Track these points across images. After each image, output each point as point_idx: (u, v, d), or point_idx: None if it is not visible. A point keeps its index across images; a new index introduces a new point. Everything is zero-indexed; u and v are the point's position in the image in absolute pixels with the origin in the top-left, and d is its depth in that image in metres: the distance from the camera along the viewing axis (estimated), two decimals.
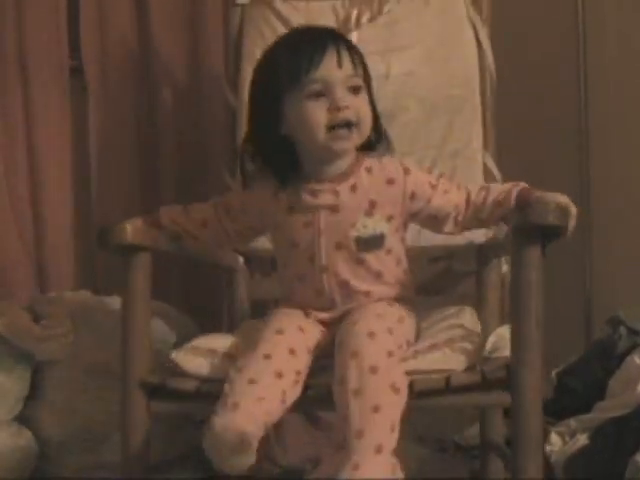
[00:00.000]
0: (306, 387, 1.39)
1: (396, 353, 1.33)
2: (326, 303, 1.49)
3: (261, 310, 1.85)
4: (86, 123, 2.37)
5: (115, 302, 1.91)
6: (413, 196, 1.48)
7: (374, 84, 1.56)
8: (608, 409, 1.71)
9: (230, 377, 1.34)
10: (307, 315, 1.48)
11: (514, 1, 2.24)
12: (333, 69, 1.42)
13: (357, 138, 1.45)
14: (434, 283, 1.66)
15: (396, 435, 1.27)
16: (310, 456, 2.11)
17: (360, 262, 1.47)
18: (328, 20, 1.90)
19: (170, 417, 1.82)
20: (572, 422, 1.75)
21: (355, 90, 1.44)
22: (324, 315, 1.49)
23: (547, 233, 1.33)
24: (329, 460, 2.10)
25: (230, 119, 1.97)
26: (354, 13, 1.93)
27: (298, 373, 1.36)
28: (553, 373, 1.93)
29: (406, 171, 1.48)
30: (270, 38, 1.84)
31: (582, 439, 1.70)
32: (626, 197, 2.28)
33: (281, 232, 1.51)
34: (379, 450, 1.24)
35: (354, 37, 1.83)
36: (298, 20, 1.89)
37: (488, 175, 1.87)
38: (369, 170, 1.48)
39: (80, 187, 2.38)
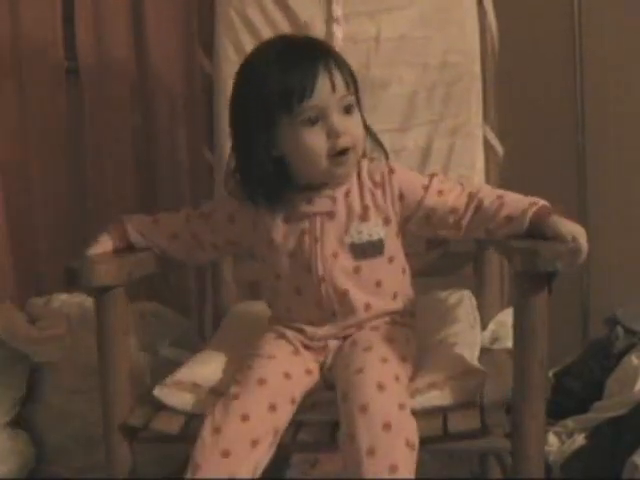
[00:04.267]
0: (298, 424, 1.35)
1: (406, 404, 1.27)
2: (326, 315, 1.44)
3: (246, 291, 1.83)
4: (82, 123, 2.37)
5: None
6: (402, 197, 1.43)
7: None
8: (605, 409, 1.71)
9: (203, 439, 1.28)
10: (296, 352, 1.42)
11: None
12: (327, 94, 1.36)
13: (354, 160, 1.41)
14: (433, 265, 1.56)
15: None
16: (308, 456, 2.12)
17: (357, 271, 1.42)
18: None
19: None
20: (569, 422, 1.76)
21: (348, 110, 1.39)
22: (322, 332, 1.44)
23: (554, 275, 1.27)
24: (326, 460, 2.13)
25: (207, 86, 1.87)
26: None
27: (276, 433, 1.30)
28: (550, 373, 1.91)
29: (391, 171, 1.44)
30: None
31: (580, 439, 1.71)
32: (623, 196, 2.27)
33: (277, 245, 1.45)
34: None
35: None
36: None
37: (489, 151, 1.77)
38: (359, 175, 1.44)
39: (75, 187, 2.38)
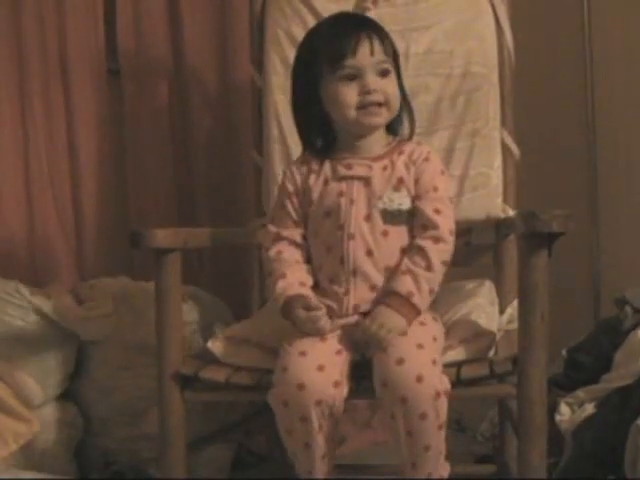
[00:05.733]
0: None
1: (441, 390, 1.38)
2: (347, 274, 1.52)
3: None
4: (123, 121, 2.47)
5: (152, 287, 1.96)
6: (417, 182, 1.55)
7: None
8: (613, 380, 1.76)
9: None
10: (323, 339, 1.48)
11: None
12: (365, 56, 1.53)
13: (387, 115, 1.56)
14: (455, 256, 1.63)
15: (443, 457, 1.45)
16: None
17: (385, 234, 1.53)
18: None
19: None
20: (580, 393, 1.80)
21: (384, 73, 1.55)
22: (347, 300, 1.52)
23: (552, 236, 1.40)
24: (353, 438, 2.23)
25: (256, 98, 2.01)
26: None
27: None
28: (564, 350, 1.99)
29: (427, 159, 1.57)
30: (292, 18, 1.95)
31: (589, 408, 1.75)
32: (632, 188, 2.32)
33: (315, 205, 1.57)
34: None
35: (371, 16, 1.81)
36: (318, 0, 1.94)
37: (506, 152, 1.89)
38: (401, 153, 1.58)
39: (117, 183, 2.47)
